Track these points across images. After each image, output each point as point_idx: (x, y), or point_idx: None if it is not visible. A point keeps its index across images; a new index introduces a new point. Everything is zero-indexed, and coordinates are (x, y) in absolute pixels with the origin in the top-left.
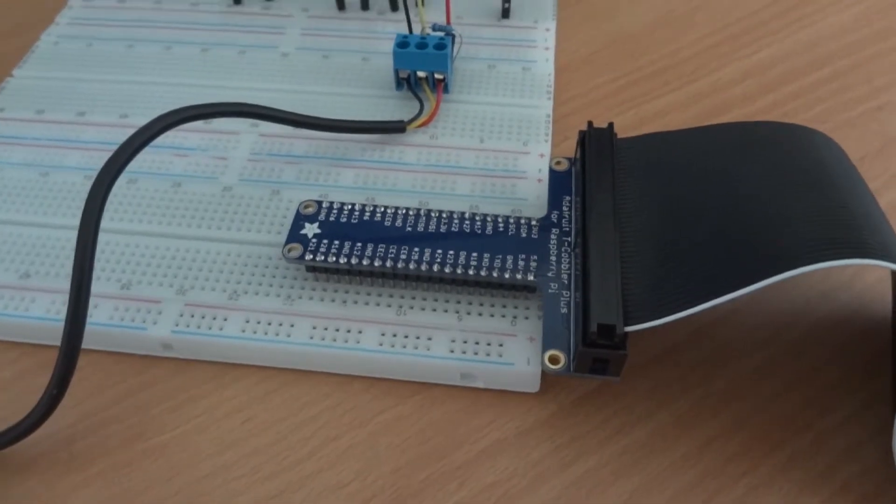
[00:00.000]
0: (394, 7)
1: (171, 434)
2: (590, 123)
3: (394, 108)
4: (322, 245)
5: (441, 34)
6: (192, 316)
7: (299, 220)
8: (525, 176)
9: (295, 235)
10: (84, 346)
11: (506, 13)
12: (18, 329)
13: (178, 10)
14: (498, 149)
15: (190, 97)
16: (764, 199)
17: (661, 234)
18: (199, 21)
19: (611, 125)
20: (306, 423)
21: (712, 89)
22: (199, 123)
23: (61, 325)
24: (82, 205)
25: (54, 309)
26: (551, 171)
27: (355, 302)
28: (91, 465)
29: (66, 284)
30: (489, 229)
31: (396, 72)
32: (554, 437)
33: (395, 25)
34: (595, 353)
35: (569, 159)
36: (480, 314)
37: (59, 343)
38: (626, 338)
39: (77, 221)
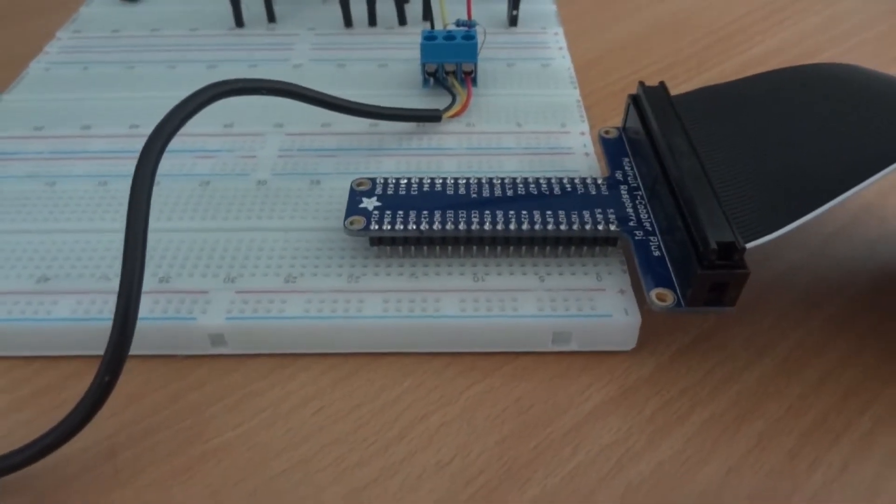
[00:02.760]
0: (401, 21)
1: (234, 433)
2: (641, 83)
3: (421, 105)
4: (386, 215)
5: (467, 29)
6: (246, 303)
7: (355, 196)
8: (571, 152)
9: (354, 210)
10: None
11: (513, 21)
12: (38, 336)
13: (177, 36)
14: (537, 130)
15: (212, 107)
16: (845, 115)
17: (748, 162)
18: (201, 44)
19: (662, 82)
20: (388, 405)
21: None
22: (219, 127)
23: (87, 325)
24: (98, 210)
25: (81, 309)
26: (602, 139)
27: (426, 274)
28: (140, 475)
29: (91, 285)
30: (556, 190)
31: (423, 67)
32: (662, 392)
33: (404, 38)
34: (714, 277)
35: (617, 128)
36: (561, 274)
37: (82, 352)
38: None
39: (93, 225)
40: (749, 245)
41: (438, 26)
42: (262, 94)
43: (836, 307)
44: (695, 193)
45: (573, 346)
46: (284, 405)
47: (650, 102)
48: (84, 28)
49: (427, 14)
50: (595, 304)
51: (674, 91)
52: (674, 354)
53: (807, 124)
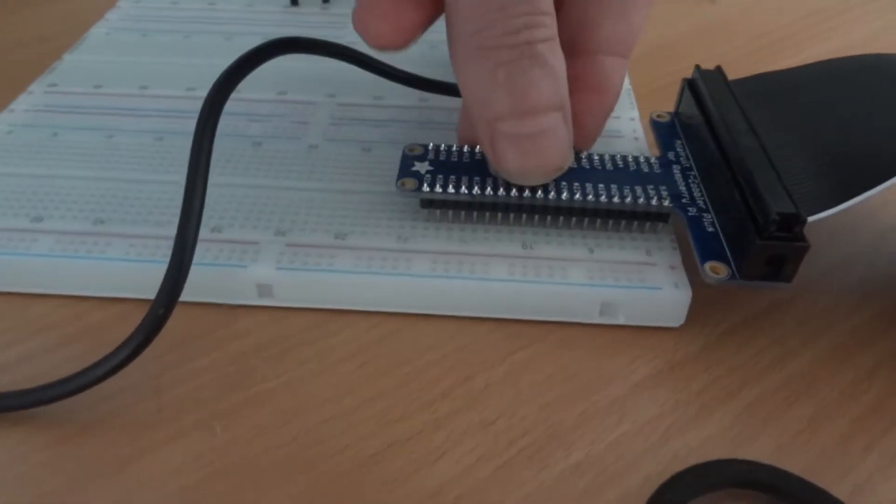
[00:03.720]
0: None
1: (277, 381)
2: (697, 66)
3: None
4: (438, 178)
5: None
6: (296, 255)
7: (407, 160)
8: (621, 135)
9: (406, 172)
10: None
11: None
12: (91, 274)
13: (233, 10)
14: None
15: (261, 73)
16: None
17: (807, 142)
18: (256, 19)
19: (719, 66)
20: (433, 364)
21: None
22: (273, 94)
23: (140, 266)
24: (153, 162)
25: (134, 251)
26: (654, 123)
27: (474, 239)
28: (184, 415)
29: (145, 230)
30: (609, 165)
31: None
32: (711, 369)
33: None
34: (773, 249)
35: (669, 113)
36: (611, 247)
37: (133, 294)
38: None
39: (148, 176)
40: (811, 218)
41: None
42: (322, 54)
43: (889, 300)
44: (754, 169)
45: (620, 320)
46: (329, 357)
47: (707, 85)
48: None
49: None
50: (645, 277)
51: None
52: (723, 333)
53: (865, 107)
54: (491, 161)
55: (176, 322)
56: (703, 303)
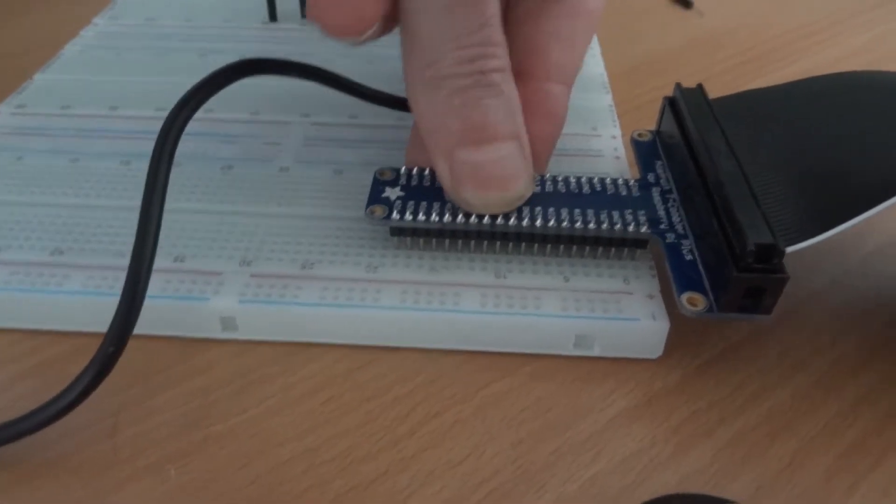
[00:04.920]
0: None
1: (239, 418)
2: (678, 85)
3: None
4: (409, 205)
5: None
6: (260, 286)
7: (378, 185)
8: (601, 154)
9: (376, 199)
10: None
11: None
12: (48, 308)
13: (210, 27)
14: (567, 132)
15: (234, 92)
16: (889, 122)
17: (789, 167)
18: (232, 36)
19: (700, 84)
20: (400, 399)
21: None
22: (245, 114)
23: (98, 300)
24: (118, 188)
25: (92, 283)
26: (635, 142)
27: (446, 268)
28: (139, 456)
29: (105, 260)
30: (586, 189)
31: None
32: (689, 403)
33: None
34: (751, 281)
35: (650, 131)
36: (587, 275)
37: (91, 328)
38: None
39: (112, 203)
40: (789, 249)
41: None
42: (293, 75)
43: (874, 327)
44: (733, 195)
45: (596, 352)
46: (293, 392)
47: (687, 104)
48: (121, 15)
49: None
50: (622, 307)
51: None
52: (702, 365)
53: (849, 130)
54: (448, 191)
55: (135, 356)
56: (683, 332)
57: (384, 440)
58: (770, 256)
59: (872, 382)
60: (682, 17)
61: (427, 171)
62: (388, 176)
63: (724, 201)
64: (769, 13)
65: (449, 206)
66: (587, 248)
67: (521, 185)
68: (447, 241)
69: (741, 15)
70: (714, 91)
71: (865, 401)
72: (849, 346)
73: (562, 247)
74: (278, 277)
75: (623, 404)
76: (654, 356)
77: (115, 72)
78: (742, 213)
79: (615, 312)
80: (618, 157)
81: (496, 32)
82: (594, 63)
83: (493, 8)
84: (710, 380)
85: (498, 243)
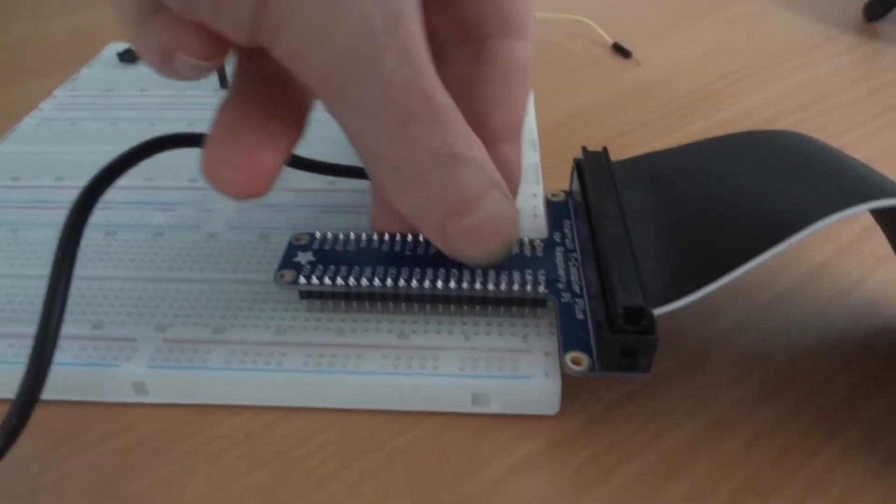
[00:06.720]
0: None
1: (156, 476)
2: (584, 148)
3: None
4: (317, 270)
5: None
6: (171, 352)
7: (292, 249)
8: (520, 213)
9: (288, 263)
10: (43, 395)
11: None
12: None
13: (164, 96)
14: None
15: (179, 161)
16: (764, 182)
17: (669, 230)
18: (184, 104)
19: (605, 148)
20: (310, 454)
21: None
22: (184, 181)
23: (17, 367)
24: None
25: (11, 353)
26: (548, 202)
27: (353, 330)
28: None
29: (27, 328)
30: None
31: None
32: (590, 447)
33: None
34: (623, 341)
35: (564, 191)
36: (489, 333)
37: (10, 396)
38: (655, 322)
39: (44, 272)
40: (658, 311)
41: None
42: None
43: (777, 367)
44: (613, 257)
45: (494, 409)
46: (208, 450)
47: (590, 167)
48: (81, 87)
49: None
50: (517, 365)
51: (637, 151)
52: (607, 407)
53: (731, 193)
54: (448, 254)
55: (56, 419)
56: (588, 380)
57: (295, 494)
58: (640, 318)
59: (769, 422)
60: (622, 68)
61: (342, 236)
62: (304, 240)
63: (607, 263)
64: (705, 60)
65: (356, 269)
66: (489, 307)
67: (513, 226)
68: (355, 304)
69: (678, 62)
70: (647, 138)
71: (760, 440)
72: (752, 384)
73: (465, 306)
74: (189, 342)
75: (525, 451)
76: (552, 412)
77: (67, 143)
78: (618, 275)
79: (510, 371)
80: (536, 216)
81: (452, 118)
82: (526, 120)
83: (446, 107)
84: (612, 422)
85: (403, 304)
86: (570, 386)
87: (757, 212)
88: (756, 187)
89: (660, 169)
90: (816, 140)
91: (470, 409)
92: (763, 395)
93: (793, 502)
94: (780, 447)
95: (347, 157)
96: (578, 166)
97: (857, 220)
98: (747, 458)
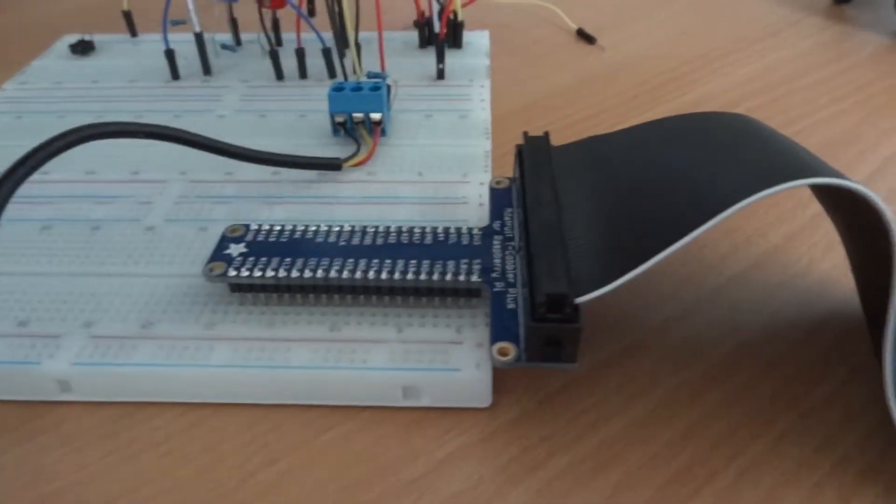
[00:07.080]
0: (331, 74)
1: (76, 476)
2: (525, 133)
3: (331, 154)
4: (248, 262)
5: (376, 80)
6: (97, 348)
7: (224, 241)
8: (466, 201)
9: (218, 255)
10: None
11: (440, 74)
12: None
13: (114, 88)
14: (437, 180)
15: (123, 154)
16: (694, 165)
17: (600, 215)
18: (134, 95)
19: (546, 133)
20: (237, 450)
21: None
22: (126, 174)
23: None
24: None
25: None
26: (492, 190)
27: (283, 323)
28: None
29: None
30: (429, 239)
31: (332, 117)
32: (522, 439)
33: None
34: (546, 330)
35: (509, 178)
36: (422, 325)
37: None
38: (579, 311)
39: None
40: (581, 299)
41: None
42: (138, 137)
43: (720, 355)
44: (542, 244)
45: (425, 402)
46: (131, 448)
47: (530, 153)
48: (31, 80)
49: (331, 70)
50: (448, 357)
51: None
52: (542, 399)
53: (662, 176)
54: None
55: None
56: (526, 370)
57: (215, 492)
58: (562, 306)
59: (707, 410)
60: (585, 53)
61: (276, 227)
62: (239, 232)
63: (535, 250)
64: (670, 45)
65: (287, 260)
66: (423, 298)
67: None
68: (287, 296)
69: (642, 48)
70: (609, 123)
71: (696, 428)
72: (690, 375)
73: (399, 298)
74: (116, 338)
75: (456, 444)
76: (484, 405)
77: (11, 137)
78: (544, 263)
79: (441, 363)
80: (481, 204)
81: None
82: (481, 108)
83: None
84: (546, 414)
85: (336, 296)
86: (506, 378)
87: (682, 195)
88: (684, 170)
89: (600, 153)
90: (759, 122)
91: (402, 402)
92: (703, 384)
93: (724, 493)
94: (715, 437)
95: (290, 147)
96: (520, 152)
97: (809, 206)
98: (681, 449)
